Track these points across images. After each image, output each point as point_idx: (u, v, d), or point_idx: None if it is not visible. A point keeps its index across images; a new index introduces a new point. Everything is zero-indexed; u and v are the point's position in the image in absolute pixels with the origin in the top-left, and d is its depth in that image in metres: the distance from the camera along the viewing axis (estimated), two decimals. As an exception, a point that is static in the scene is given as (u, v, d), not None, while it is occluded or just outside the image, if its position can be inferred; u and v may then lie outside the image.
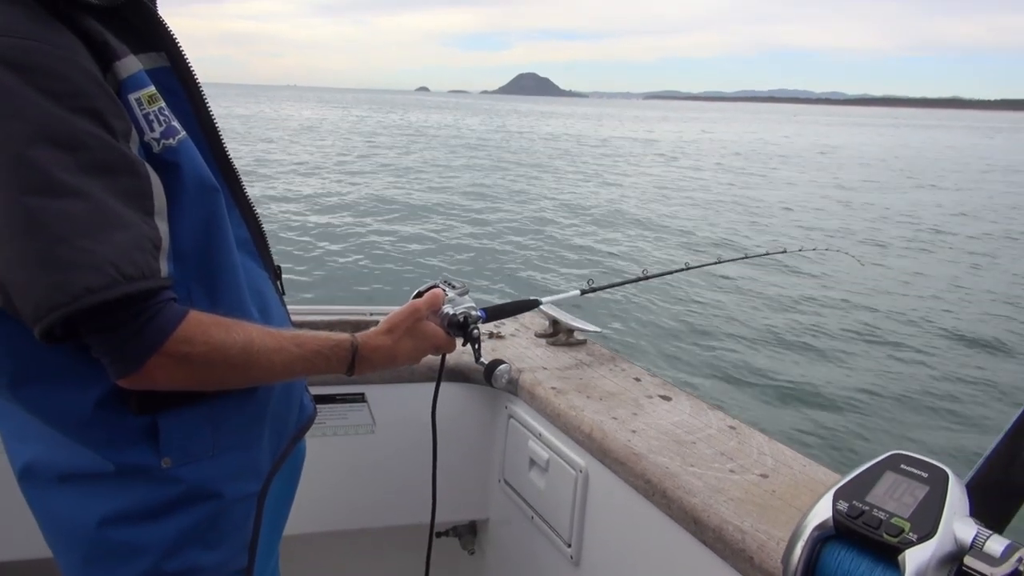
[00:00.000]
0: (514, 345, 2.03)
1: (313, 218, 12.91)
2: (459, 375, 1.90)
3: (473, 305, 1.23)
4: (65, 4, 0.82)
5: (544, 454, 1.69)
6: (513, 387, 1.82)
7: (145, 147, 0.87)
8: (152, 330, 0.82)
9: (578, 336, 2.06)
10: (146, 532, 0.95)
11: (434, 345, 1.17)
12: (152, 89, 0.89)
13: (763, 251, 2.35)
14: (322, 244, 10.65)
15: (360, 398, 1.84)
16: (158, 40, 0.95)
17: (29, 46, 0.78)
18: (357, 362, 1.05)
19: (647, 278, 1.95)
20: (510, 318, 2.24)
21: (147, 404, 0.91)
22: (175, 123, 0.91)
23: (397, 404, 1.85)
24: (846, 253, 2.76)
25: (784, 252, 2.27)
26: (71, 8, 0.82)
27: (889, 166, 28.51)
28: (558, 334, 2.08)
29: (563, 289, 1.93)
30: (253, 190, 1.16)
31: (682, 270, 2.08)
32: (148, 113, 0.87)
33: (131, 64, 0.87)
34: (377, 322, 2.18)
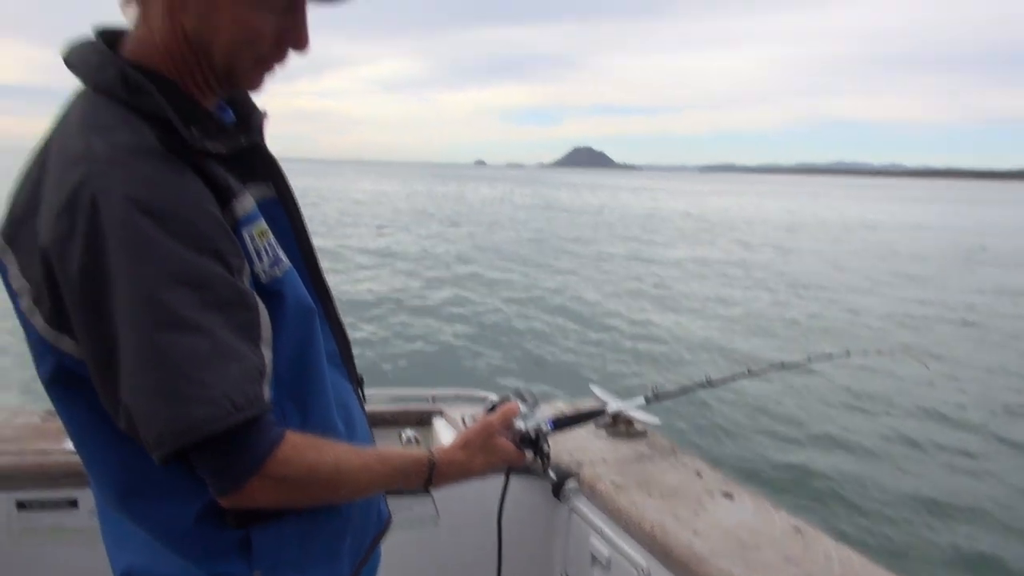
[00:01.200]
0: (575, 436, 2.05)
1: (369, 291, 13.04)
2: (521, 467, 1.93)
3: (543, 419, 1.25)
4: (194, 154, 0.91)
5: (605, 551, 1.69)
6: (575, 481, 1.84)
7: (254, 278, 0.94)
8: (253, 453, 0.88)
9: (638, 427, 2.08)
10: None
11: (504, 460, 1.20)
12: (263, 224, 0.97)
13: (827, 352, 2.33)
14: (366, 326, 10.54)
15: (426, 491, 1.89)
16: (267, 172, 1.06)
17: (163, 194, 0.86)
18: (434, 477, 1.10)
19: (711, 386, 1.95)
20: (569, 408, 2.28)
21: (243, 518, 0.96)
22: (280, 253, 0.99)
23: (460, 496, 1.87)
24: (913, 357, 2.71)
25: (848, 355, 2.24)
26: (199, 157, 0.92)
27: (958, 246, 26.63)
28: (618, 424, 2.10)
29: (628, 394, 1.94)
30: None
31: (745, 376, 2.05)
32: (258, 247, 0.95)
33: (247, 202, 0.96)
34: (440, 411, 2.24)
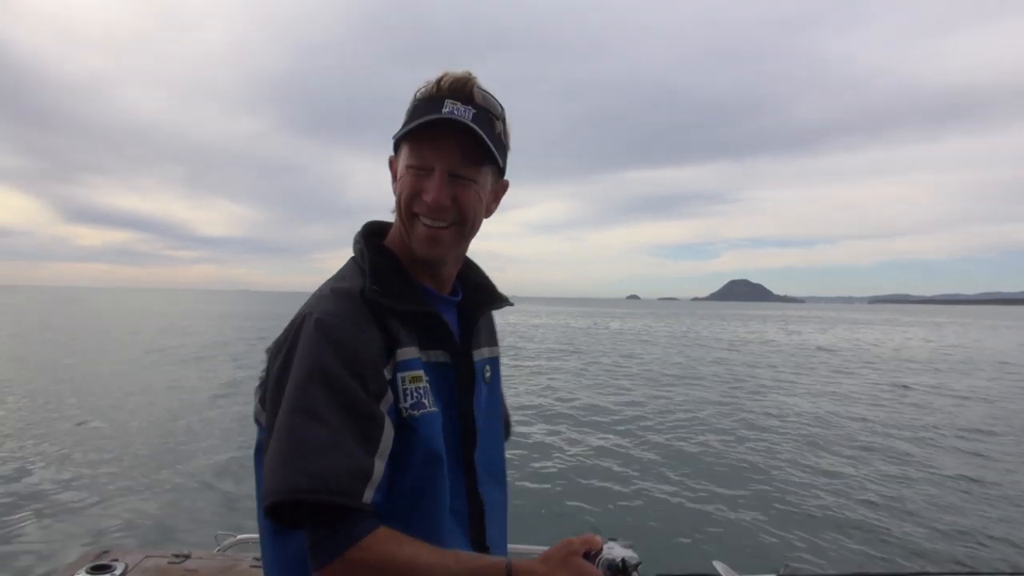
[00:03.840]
0: None
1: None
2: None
3: (636, 556, 1.17)
4: (382, 312, 1.19)
5: None
6: None
7: (397, 410, 1.16)
8: (341, 537, 1.05)
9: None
10: None
11: None
12: (416, 372, 1.19)
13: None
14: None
15: None
16: (444, 343, 1.27)
17: (341, 326, 1.14)
18: None
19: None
20: None
21: None
22: (425, 400, 1.18)
23: None
24: None
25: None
26: (384, 315, 1.19)
27: None
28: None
29: (757, 569, 1.68)
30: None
31: (915, 575, 1.70)
32: (407, 388, 1.17)
33: (409, 352, 1.19)
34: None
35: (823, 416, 14.10)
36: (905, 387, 18.07)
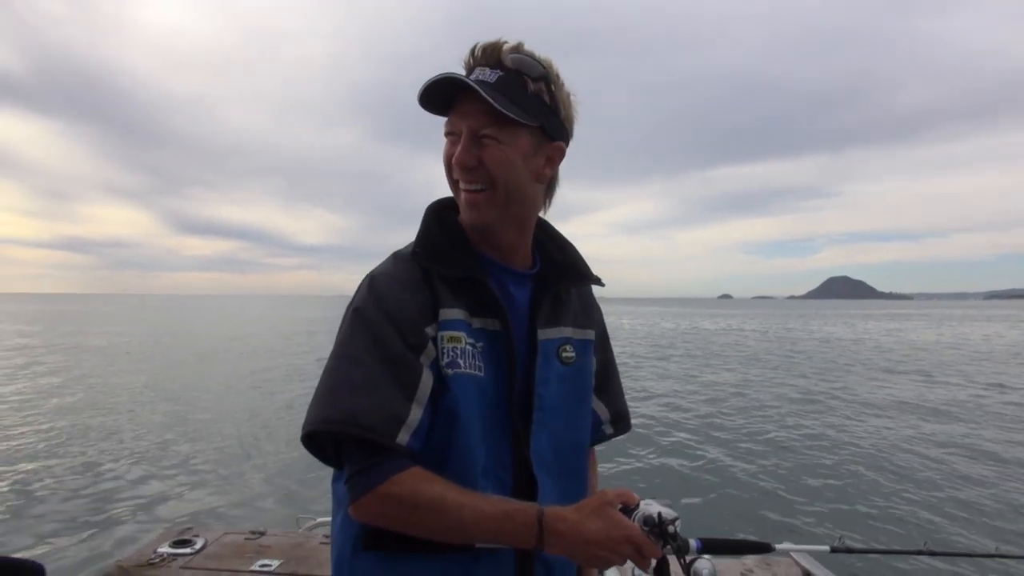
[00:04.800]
0: None
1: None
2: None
3: (674, 513, 1.16)
4: (431, 275, 1.25)
5: None
6: None
7: (437, 366, 1.21)
8: (375, 472, 1.12)
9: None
10: None
11: (627, 537, 1.13)
12: (456, 333, 1.23)
13: None
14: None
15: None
16: (494, 311, 1.28)
17: (387, 282, 1.24)
18: (545, 533, 1.11)
19: (930, 553, 1.61)
20: (759, 565, 2.03)
21: (370, 541, 1.20)
22: (461, 360, 1.22)
23: None
24: None
25: None
26: (433, 278, 1.25)
27: None
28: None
29: (809, 540, 1.67)
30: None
31: (989, 555, 1.70)
32: (445, 347, 1.22)
33: (451, 314, 1.24)
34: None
35: (901, 403, 14.07)
36: (1001, 386, 16.97)
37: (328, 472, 1.31)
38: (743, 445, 10.18)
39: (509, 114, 1.20)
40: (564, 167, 1.34)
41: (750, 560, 2.07)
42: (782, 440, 10.55)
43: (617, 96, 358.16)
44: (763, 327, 53.09)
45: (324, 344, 28.92)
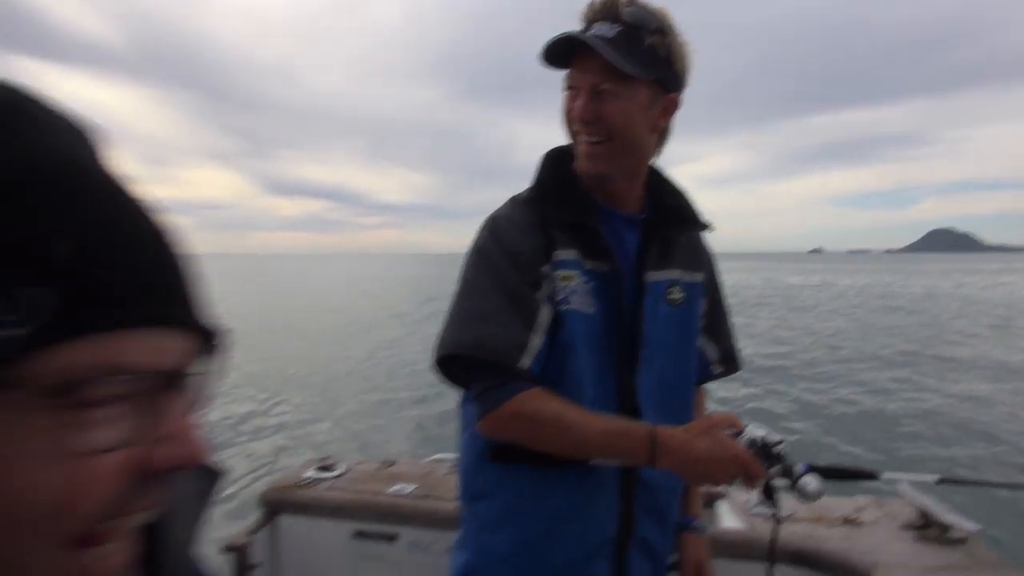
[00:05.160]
0: (872, 534, 1.85)
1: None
2: (806, 559, 1.79)
3: (779, 436, 1.21)
4: (546, 221, 1.34)
5: None
6: None
7: (552, 301, 1.30)
8: (501, 391, 1.22)
9: (955, 534, 1.79)
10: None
11: (735, 457, 1.18)
12: (569, 272, 1.32)
13: None
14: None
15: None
16: (603, 254, 1.35)
17: (506, 224, 1.33)
18: (656, 447, 1.19)
19: None
20: (872, 504, 2.06)
21: (497, 455, 1.32)
22: (572, 298, 1.31)
23: None
24: None
25: None
26: (548, 221, 1.34)
27: None
28: (930, 528, 1.83)
29: (917, 469, 1.69)
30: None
31: None
32: (559, 285, 1.31)
33: (565, 254, 1.32)
34: (725, 495, 2.18)
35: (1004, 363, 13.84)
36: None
37: (450, 409, 1.44)
38: (841, 389, 10.48)
39: (627, 70, 1.25)
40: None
41: (861, 499, 2.09)
42: (882, 383, 10.84)
43: (700, 47, 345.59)
44: (857, 282, 51.24)
45: (434, 298, 30.17)
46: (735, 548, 1.82)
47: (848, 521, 1.93)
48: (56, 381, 0.33)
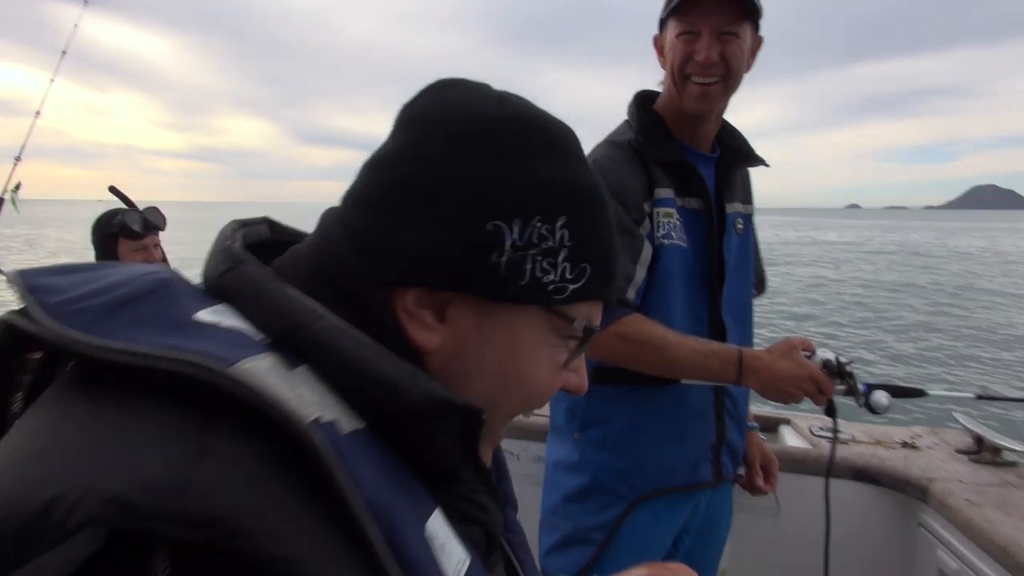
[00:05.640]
0: (929, 456, 2.00)
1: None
2: (867, 476, 1.95)
3: (849, 358, 1.36)
4: (644, 158, 1.44)
5: (953, 564, 1.64)
6: (923, 494, 1.81)
7: (652, 237, 1.41)
8: (608, 315, 1.29)
9: (1007, 456, 1.93)
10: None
11: (810, 376, 1.33)
12: (669, 210, 1.43)
13: None
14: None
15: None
16: (698, 191, 1.48)
17: (610, 164, 1.42)
18: (744, 367, 1.34)
19: None
20: (928, 432, 2.20)
21: (597, 376, 1.41)
22: (673, 233, 1.43)
23: (801, 494, 1.95)
24: None
25: None
26: (647, 161, 1.44)
27: None
28: (983, 452, 1.98)
29: (958, 388, 1.84)
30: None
31: None
32: (660, 221, 1.42)
33: (665, 193, 1.44)
34: (788, 419, 2.35)
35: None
36: None
37: None
38: (879, 323, 11.55)
39: (759, 10, 1.37)
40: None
41: (917, 428, 2.23)
42: (919, 318, 12.00)
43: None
44: (892, 239, 50.58)
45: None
46: (798, 463, 1.98)
47: (907, 445, 2.08)
48: (582, 323, 0.55)
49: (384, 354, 0.48)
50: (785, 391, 1.34)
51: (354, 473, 0.41)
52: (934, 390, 1.55)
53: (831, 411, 1.43)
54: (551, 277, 0.52)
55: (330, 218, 0.56)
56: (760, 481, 1.71)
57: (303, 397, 0.42)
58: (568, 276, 0.53)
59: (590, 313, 0.57)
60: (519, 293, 0.51)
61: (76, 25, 3.27)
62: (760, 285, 1.75)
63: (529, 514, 1.09)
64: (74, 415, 0.41)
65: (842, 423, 2.31)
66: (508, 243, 0.50)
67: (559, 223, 0.52)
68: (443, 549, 0.47)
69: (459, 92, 0.55)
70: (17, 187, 2.75)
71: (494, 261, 0.50)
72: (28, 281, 0.44)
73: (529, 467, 2.13)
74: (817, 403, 1.38)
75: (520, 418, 2.13)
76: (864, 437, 2.15)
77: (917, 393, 1.50)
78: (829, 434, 2.11)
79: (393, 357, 0.48)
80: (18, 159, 2.80)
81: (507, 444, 2.13)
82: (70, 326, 0.41)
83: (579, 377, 0.61)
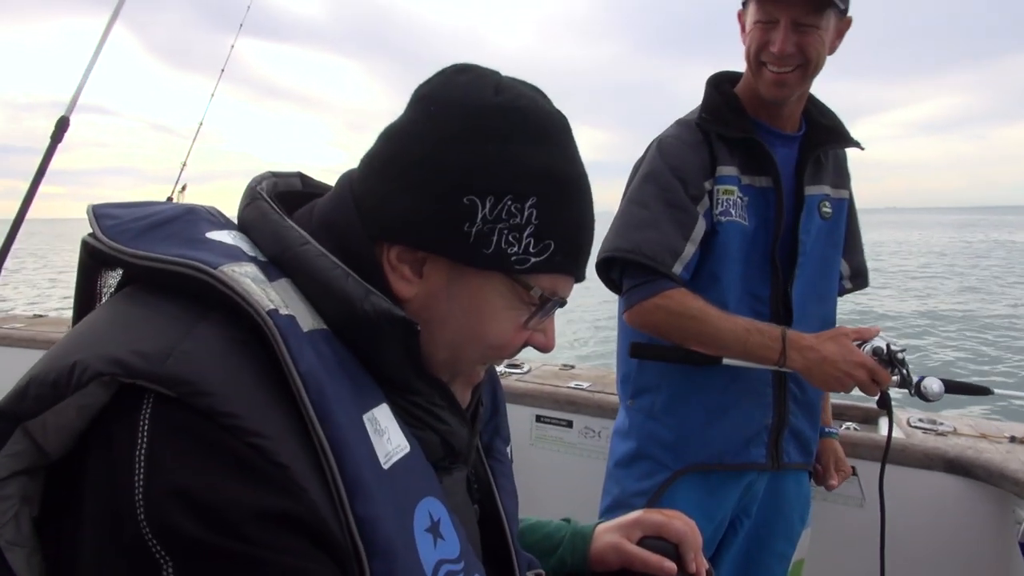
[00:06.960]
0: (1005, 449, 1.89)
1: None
2: (961, 468, 1.86)
3: (903, 346, 1.31)
4: (708, 136, 1.46)
5: None
6: (1021, 489, 1.72)
7: (711, 214, 1.44)
8: (649, 287, 1.38)
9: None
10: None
11: (862, 363, 1.29)
12: (730, 187, 1.44)
13: None
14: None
15: (852, 470, 1.96)
16: (767, 169, 1.47)
17: (674, 143, 1.46)
18: (787, 346, 1.32)
19: None
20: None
21: (636, 351, 1.47)
22: (732, 210, 1.44)
23: (889, 484, 1.89)
24: None
25: None
26: (712, 140, 1.45)
27: None
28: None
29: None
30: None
31: None
32: (720, 199, 1.43)
33: (727, 171, 1.45)
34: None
35: None
36: None
37: None
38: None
39: (839, 3, 1.35)
40: (847, 65, 1.45)
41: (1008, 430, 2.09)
42: None
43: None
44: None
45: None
46: (904, 454, 1.91)
47: (1015, 440, 1.97)
48: (539, 292, 0.63)
49: (349, 276, 0.58)
50: (832, 376, 1.31)
51: (295, 351, 0.52)
52: (1001, 389, 1.49)
53: (885, 402, 1.38)
54: (515, 249, 0.60)
55: (346, 178, 0.66)
56: (833, 481, 1.69)
57: (269, 295, 0.54)
58: (532, 250, 0.60)
59: (555, 284, 0.64)
60: (485, 260, 0.60)
61: (231, 44, 3.53)
62: (858, 279, 1.68)
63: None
64: (108, 309, 0.58)
65: (948, 415, 2.21)
66: (479, 217, 0.58)
67: (528, 203, 0.59)
68: (382, 434, 0.56)
69: (466, 78, 0.62)
70: (183, 188, 3.23)
71: (466, 231, 0.59)
72: (96, 211, 0.59)
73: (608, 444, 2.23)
74: (869, 393, 1.34)
75: (601, 397, 2.25)
76: (968, 430, 2.05)
77: (982, 391, 1.45)
78: (928, 425, 2.05)
79: (356, 280, 0.58)
80: (184, 164, 3.26)
81: (588, 422, 2.24)
82: (116, 242, 0.57)
83: (546, 337, 0.69)
